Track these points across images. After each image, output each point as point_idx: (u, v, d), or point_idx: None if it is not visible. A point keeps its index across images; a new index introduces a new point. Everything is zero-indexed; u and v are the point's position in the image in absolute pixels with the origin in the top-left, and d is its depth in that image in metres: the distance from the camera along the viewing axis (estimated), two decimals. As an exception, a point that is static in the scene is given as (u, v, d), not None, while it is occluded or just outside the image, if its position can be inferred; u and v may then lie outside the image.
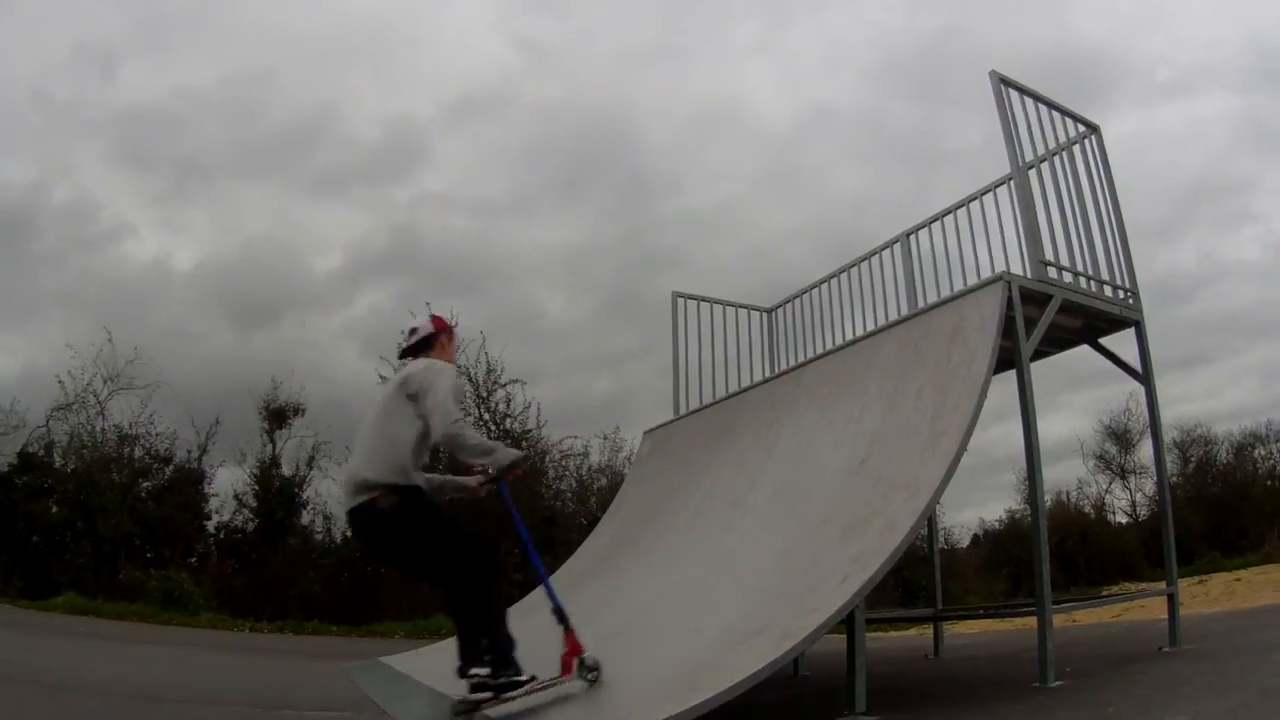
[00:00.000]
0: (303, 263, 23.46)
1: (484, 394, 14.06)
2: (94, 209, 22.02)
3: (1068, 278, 4.56)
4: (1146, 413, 5.43)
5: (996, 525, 20.69)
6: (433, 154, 27.73)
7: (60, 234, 21.07)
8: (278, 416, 14.19)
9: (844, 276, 6.61)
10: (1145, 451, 19.48)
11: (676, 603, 4.53)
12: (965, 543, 21.10)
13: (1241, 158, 30.46)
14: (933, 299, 5.28)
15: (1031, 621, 4.27)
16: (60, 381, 13.28)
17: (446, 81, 28.44)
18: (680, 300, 7.40)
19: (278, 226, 24.11)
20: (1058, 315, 4.46)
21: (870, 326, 5.88)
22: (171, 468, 13.79)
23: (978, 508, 27.45)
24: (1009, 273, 4.29)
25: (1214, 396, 27.33)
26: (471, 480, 3.62)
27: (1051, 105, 4.92)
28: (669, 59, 29.31)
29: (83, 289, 19.34)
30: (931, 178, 27.99)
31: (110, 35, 22.75)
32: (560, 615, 3.34)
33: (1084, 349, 5.27)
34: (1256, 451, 20.49)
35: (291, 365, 21.34)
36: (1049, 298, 4.37)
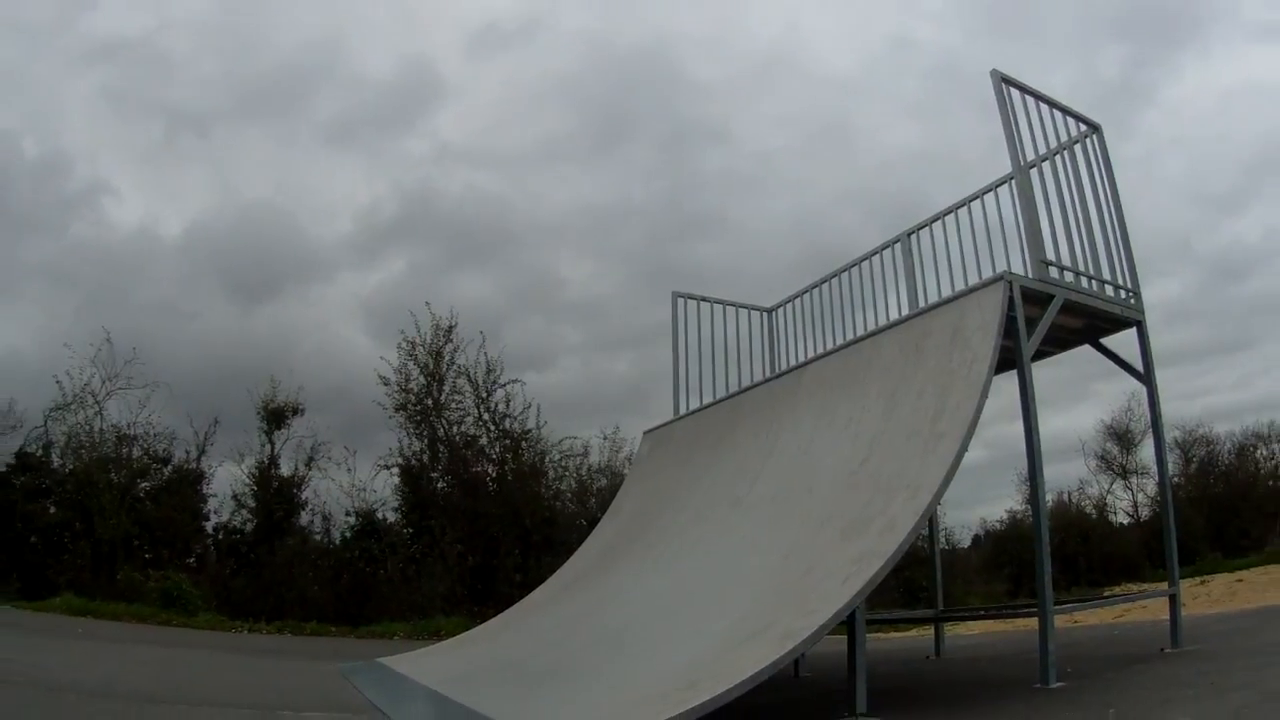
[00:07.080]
0: (307, 230, 21.43)
1: (483, 394, 14.05)
2: (68, 165, 19.82)
3: (1069, 277, 4.56)
4: (1148, 412, 5.44)
5: (998, 525, 20.70)
6: (450, 95, 25.41)
7: (34, 195, 18.75)
8: (276, 417, 14.21)
9: (844, 276, 6.61)
10: (1147, 451, 19.46)
11: (676, 603, 4.52)
12: (966, 543, 21.11)
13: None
14: (933, 299, 5.27)
15: (1033, 622, 4.27)
16: (58, 381, 13.22)
17: (468, 4, 25.98)
18: (680, 300, 7.40)
19: (279, 189, 21.92)
20: (1059, 315, 4.45)
21: (870, 326, 5.87)
22: (170, 468, 13.78)
23: (980, 507, 27.04)
24: (1010, 272, 4.28)
25: (1242, 388, 25.41)
26: None
27: (1053, 104, 4.91)
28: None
29: (63, 262, 17.65)
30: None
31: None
32: None
33: (1085, 348, 5.27)
34: (1259, 451, 20.49)
35: (296, 346, 19.53)
36: (1050, 297, 4.36)
